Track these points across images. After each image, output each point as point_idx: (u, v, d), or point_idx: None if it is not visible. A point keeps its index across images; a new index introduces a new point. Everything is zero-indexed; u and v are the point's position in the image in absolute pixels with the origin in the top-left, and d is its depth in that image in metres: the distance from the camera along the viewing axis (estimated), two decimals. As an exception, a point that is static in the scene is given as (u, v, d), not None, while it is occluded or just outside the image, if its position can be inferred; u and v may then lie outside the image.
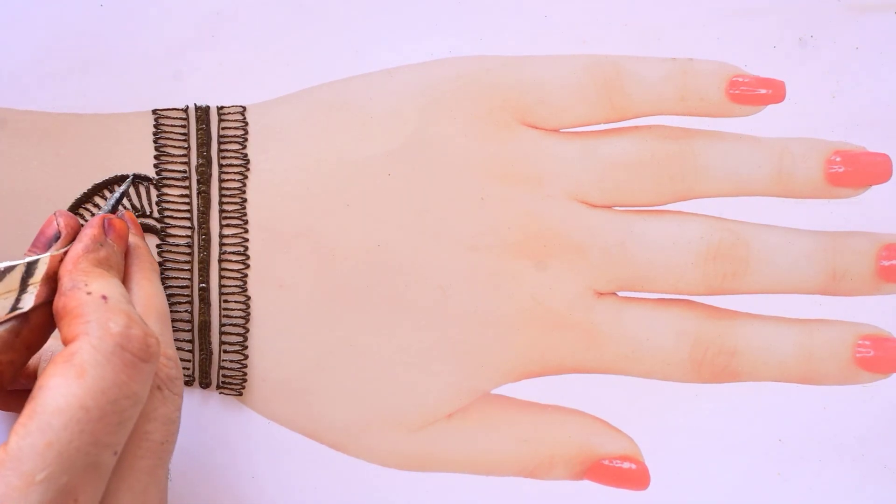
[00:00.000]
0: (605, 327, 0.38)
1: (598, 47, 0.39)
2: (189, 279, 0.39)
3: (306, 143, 0.39)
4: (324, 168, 0.39)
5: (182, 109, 0.39)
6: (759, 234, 0.38)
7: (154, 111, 0.39)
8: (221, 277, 0.39)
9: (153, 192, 0.39)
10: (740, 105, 0.38)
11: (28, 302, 0.32)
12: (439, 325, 0.39)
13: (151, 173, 0.39)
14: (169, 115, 0.39)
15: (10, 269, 0.32)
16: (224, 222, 0.39)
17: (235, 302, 0.39)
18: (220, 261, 0.39)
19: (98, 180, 0.38)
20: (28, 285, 0.32)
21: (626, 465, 0.39)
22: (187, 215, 0.39)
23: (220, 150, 0.39)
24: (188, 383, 0.39)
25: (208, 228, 0.39)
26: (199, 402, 0.39)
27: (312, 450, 0.39)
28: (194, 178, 0.39)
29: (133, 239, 0.36)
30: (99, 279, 0.31)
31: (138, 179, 0.39)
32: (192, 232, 0.39)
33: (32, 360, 0.35)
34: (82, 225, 0.34)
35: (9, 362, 0.31)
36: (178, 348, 0.39)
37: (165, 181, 0.39)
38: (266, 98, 0.39)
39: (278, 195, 0.39)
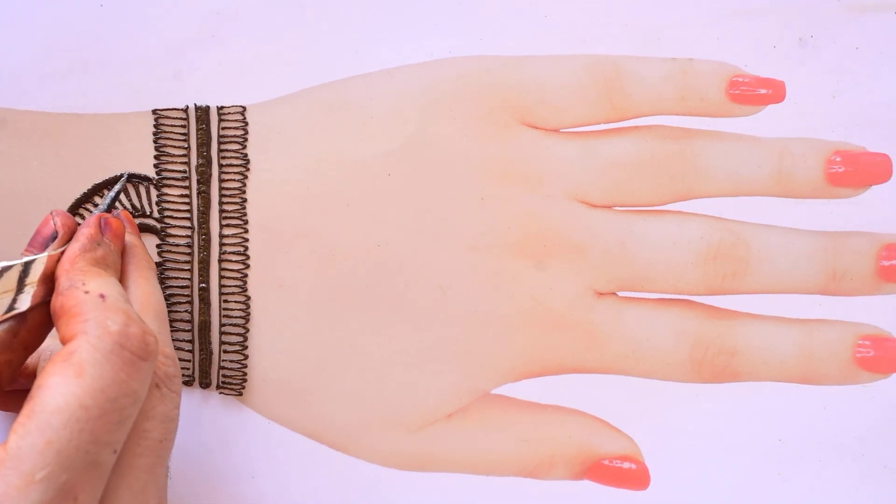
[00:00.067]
0: (605, 327, 0.38)
1: (598, 47, 0.39)
2: (189, 279, 0.39)
3: (306, 143, 0.39)
4: (324, 168, 0.39)
5: (182, 109, 0.39)
6: (759, 234, 0.38)
7: (154, 111, 0.39)
8: (221, 277, 0.39)
9: (153, 192, 0.39)
10: (740, 105, 0.38)
11: (25, 302, 0.32)
12: (439, 326, 0.39)
13: (151, 173, 0.39)
14: (169, 115, 0.39)
15: (6, 270, 0.32)
16: (224, 222, 0.39)
17: (235, 302, 0.39)
18: (220, 261, 0.39)
19: (98, 180, 0.38)
20: (25, 285, 0.32)
21: (626, 465, 0.39)
22: (187, 215, 0.39)
23: (220, 150, 0.39)
24: (188, 383, 0.39)
25: (208, 228, 0.39)
26: (199, 402, 0.39)
27: (312, 450, 0.39)
28: (194, 178, 0.39)
29: (129, 238, 0.36)
30: (96, 278, 0.31)
31: (137, 179, 0.39)
32: (192, 232, 0.39)
33: (31, 360, 0.35)
34: (79, 224, 0.34)
35: (7, 362, 0.32)
36: (178, 348, 0.39)
37: (165, 181, 0.39)
38: (266, 98, 0.39)
39: (278, 195, 0.39)
